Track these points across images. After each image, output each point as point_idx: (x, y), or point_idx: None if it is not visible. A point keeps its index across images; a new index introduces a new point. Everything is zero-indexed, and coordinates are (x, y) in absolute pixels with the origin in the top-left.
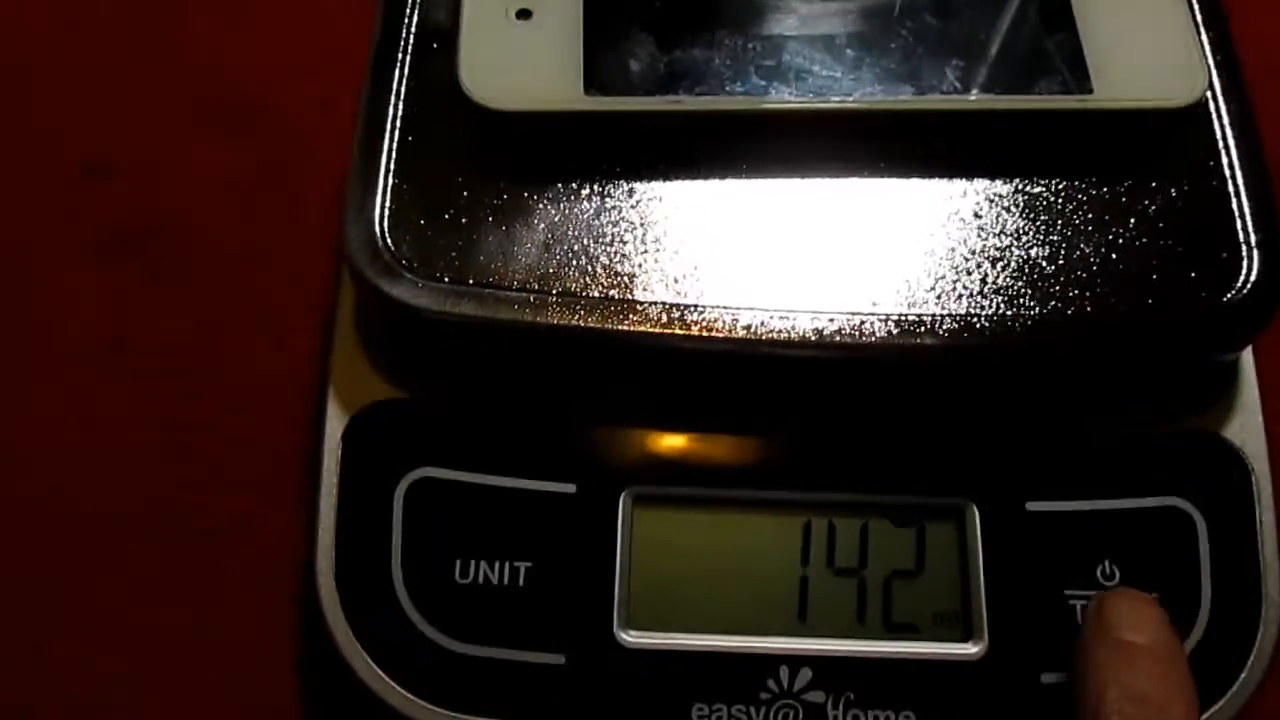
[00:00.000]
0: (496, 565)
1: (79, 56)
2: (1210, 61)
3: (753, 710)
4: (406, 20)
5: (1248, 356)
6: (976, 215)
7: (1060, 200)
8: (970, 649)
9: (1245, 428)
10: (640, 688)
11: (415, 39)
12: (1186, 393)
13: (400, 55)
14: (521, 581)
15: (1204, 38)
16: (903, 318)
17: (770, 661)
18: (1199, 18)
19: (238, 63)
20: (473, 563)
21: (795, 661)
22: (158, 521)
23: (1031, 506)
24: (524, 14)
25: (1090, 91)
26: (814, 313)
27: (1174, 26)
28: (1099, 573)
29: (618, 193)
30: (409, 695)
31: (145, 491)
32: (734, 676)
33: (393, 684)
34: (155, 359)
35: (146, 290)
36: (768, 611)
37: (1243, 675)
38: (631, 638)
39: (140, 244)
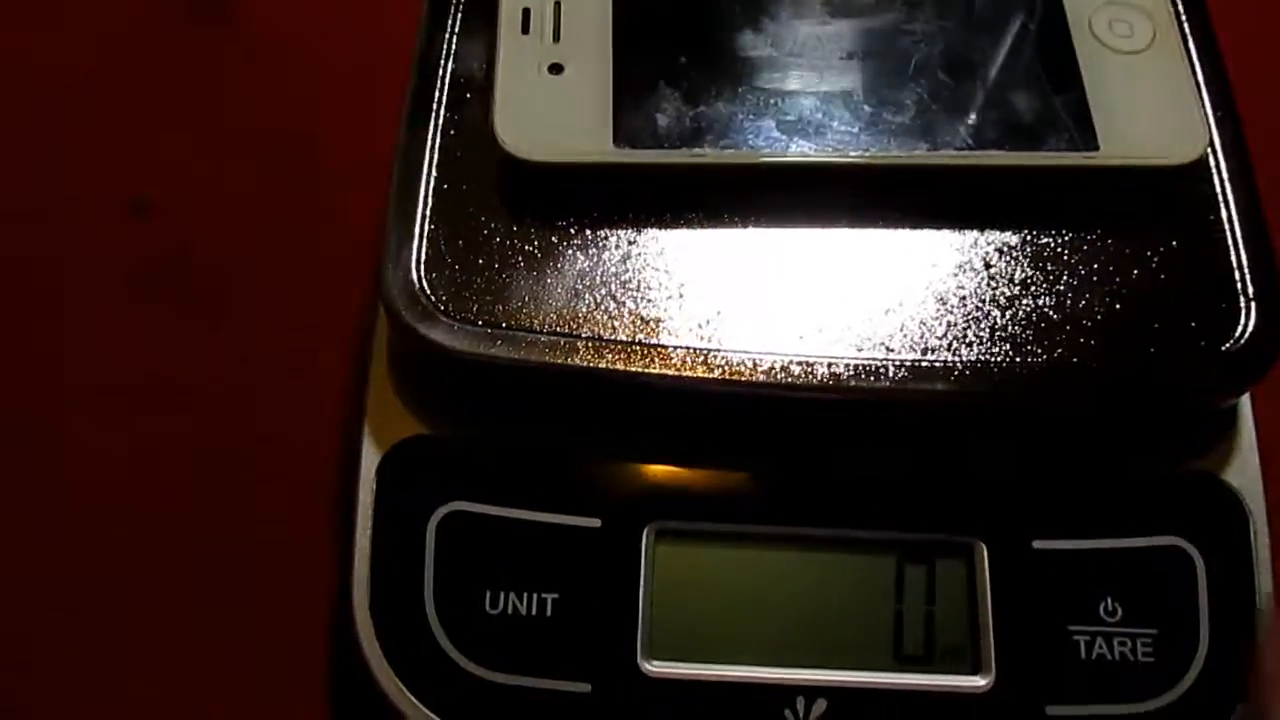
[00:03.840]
0: (525, 596)
1: (119, 93)
2: (1211, 119)
3: None
4: (441, 71)
5: (1246, 402)
6: (987, 266)
7: (1067, 253)
8: (978, 682)
9: (1243, 471)
10: (662, 716)
11: (449, 90)
12: (1188, 437)
13: (435, 105)
14: (549, 612)
15: (1205, 96)
16: (915, 364)
17: (787, 692)
18: (1200, 77)
19: (277, 102)
20: (502, 594)
21: (811, 692)
22: (192, 552)
23: (1038, 545)
24: (556, 68)
25: (1096, 149)
26: (830, 358)
27: (1176, 86)
28: (1102, 609)
29: (644, 241)
30: None
31: (180, 523)
32: (752, 706)
33: (426, 710)
34: (190, 393)
35: (183, 324)
36: (785, 643)
37: (1241, 708)
38: (654, 668)
39: (176, 279)
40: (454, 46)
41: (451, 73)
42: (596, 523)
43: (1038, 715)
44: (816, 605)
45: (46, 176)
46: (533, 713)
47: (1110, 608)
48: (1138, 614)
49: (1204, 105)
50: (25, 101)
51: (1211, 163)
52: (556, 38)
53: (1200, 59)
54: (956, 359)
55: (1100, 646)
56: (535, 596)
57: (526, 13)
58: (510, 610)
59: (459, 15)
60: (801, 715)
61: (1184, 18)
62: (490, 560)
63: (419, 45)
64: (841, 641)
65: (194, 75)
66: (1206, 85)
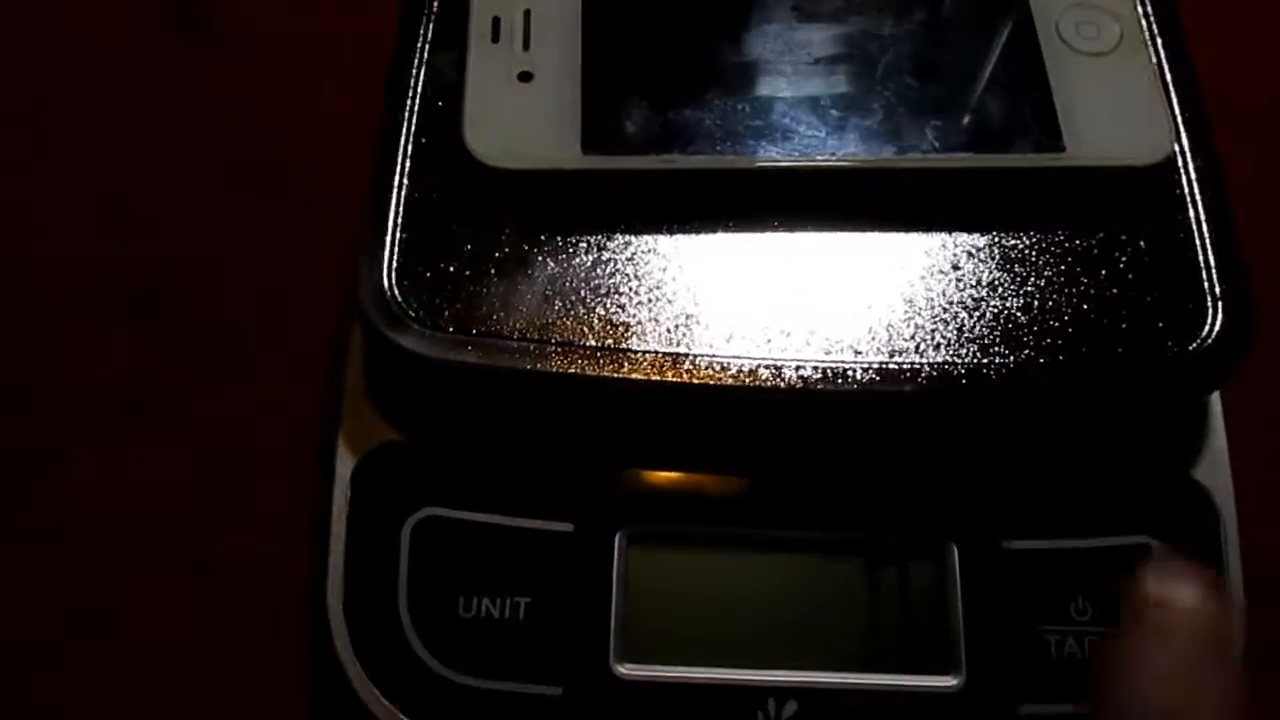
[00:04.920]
0: (498, 601)
1: (104, 115)
2: (1178, 120)
3: None
4: (413, 80)
5: (1216, 401)
6: (955, 268)
7: (1034, 254)
8: (949, 681)
9: (1213, 469)
10: (634, 718)
11: (421, 98)
12: (1158, 436)
13: (407, 113)
14: (522, 616)
15: (1172, 97)
16: (884, 366)
17: (759, 693)
18: (1167, 77)
19: (252, 110)
20: (475, 598)
21: (782, 693)
22: (172, 557)
23: (1008, 545)
24: (525, 77)
25: (1062, 150)
26: (799, 361)
27: (1142, 87)
28: (1072, 609)
29: (613, 246)
30: None
31: (161, 525)
32: (723, 707)
33: (400, 715)
34: (163, 401)
35: (167, 338)
36: (756, 645)
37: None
38: (626, 670)
39: (159, 295)
40: (426, 55)
41: (423, 81)
42: (569, 527)
43: (1009, 715)
44: (788, 607)
45: (30, 199)
46: (506, 716)
47: (1081, 607)
48: (1109, 613)
49: (1170, 106)
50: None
51: (1179, 163)
52: (526, 46)
53: (1168, 60)
54: (925, 360)
55: (1071, 645)
56: (509, 601)
57: (496, 22)
58: (484, 614)
59: (431, 24)
60: (773, 716)
61: (1152, 18)
62: (464, 565)
63: (392, 54)
64: (813, 643)
65: (171, 84)
66: (1174, 86)
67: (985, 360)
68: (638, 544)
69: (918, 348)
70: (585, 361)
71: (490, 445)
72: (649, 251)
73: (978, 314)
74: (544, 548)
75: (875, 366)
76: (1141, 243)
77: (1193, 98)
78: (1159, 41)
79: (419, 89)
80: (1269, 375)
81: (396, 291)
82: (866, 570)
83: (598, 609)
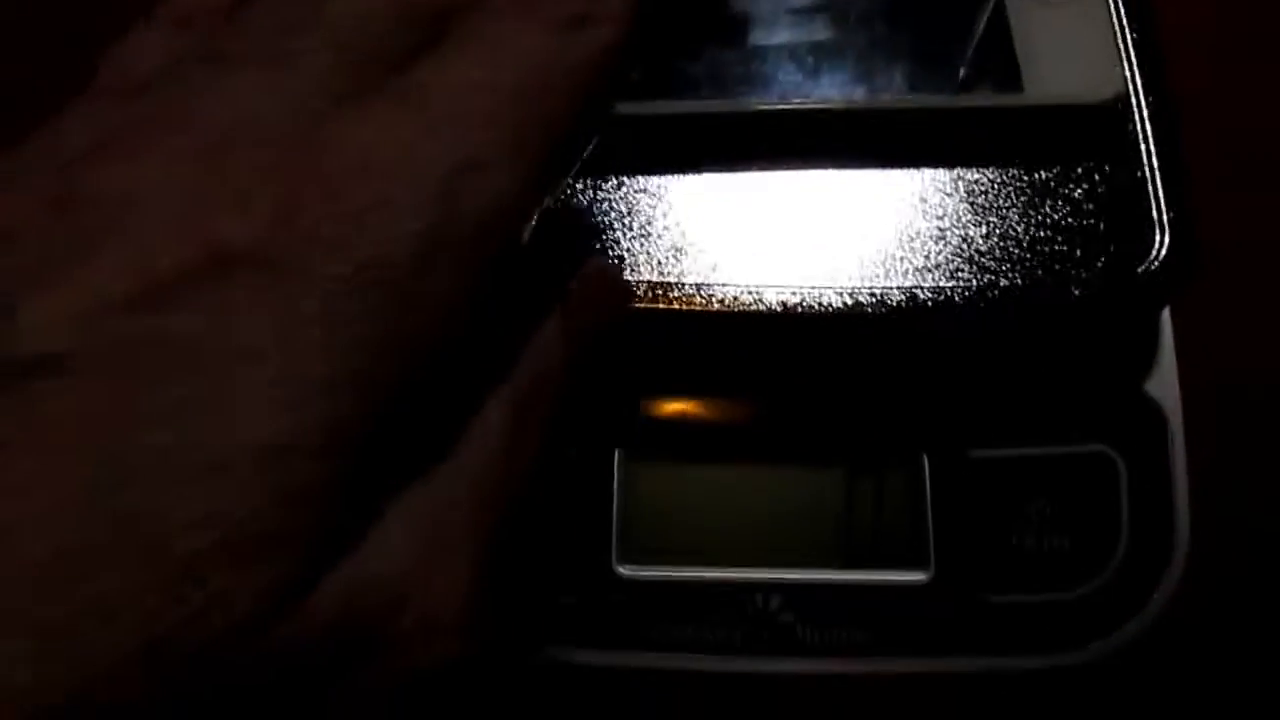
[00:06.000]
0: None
1: None
2: (1131, 59)
3: (731, 632)
4: None
5: (1167, 321)
6: (924, 200)
7: (998, 186)
8: (919, 576)
9: (1163, 383)
10: (635, 614)
11: None
12: (1112, 353)
13: None
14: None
15: (1127, 38)
16: (860, 291)
17: (748, 588)
18: (1122, 19)
19: None
20: None
21: (769, 588)
22: None
23: (974, 454)
24: None
25: (1021, 91)
26: (781, 288)
27: (1096, 29)
28: (1031, 510)
29: (605, 187)
30: None
31: None
32: (716, 602)
33: None
34: None
35: None
36: (745, 547)
37: (1155, 596)
38: (627, 571)
39: None
40: None
41: None
42: (572, 450)
43: (971, 603)
44: (774, 514)
45: None
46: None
47: (1040, 508)
48: (1065, 514)
49: (1125, 47)
50: None
51: (1130, 101)
52: None
53: (1125, 2)
54: (897, 285)
55: (1030, 543)
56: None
57: None
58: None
59: None
60: (761, 608)
61: None
62: None
63: None
64: (797, 544)
65: None
66: (1129, 27)
67: (953, 284)
68: (633, 462)
69: (890, 274)
70: None
71: None
72: (638, 190)
73: (946, 242)
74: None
75: (852, 292)
76: (1096, 175)
77: (1149, 37)
78: None
79: None
80: (1217, 297)
81: None
82: (846, 479)
83: (600, 518)
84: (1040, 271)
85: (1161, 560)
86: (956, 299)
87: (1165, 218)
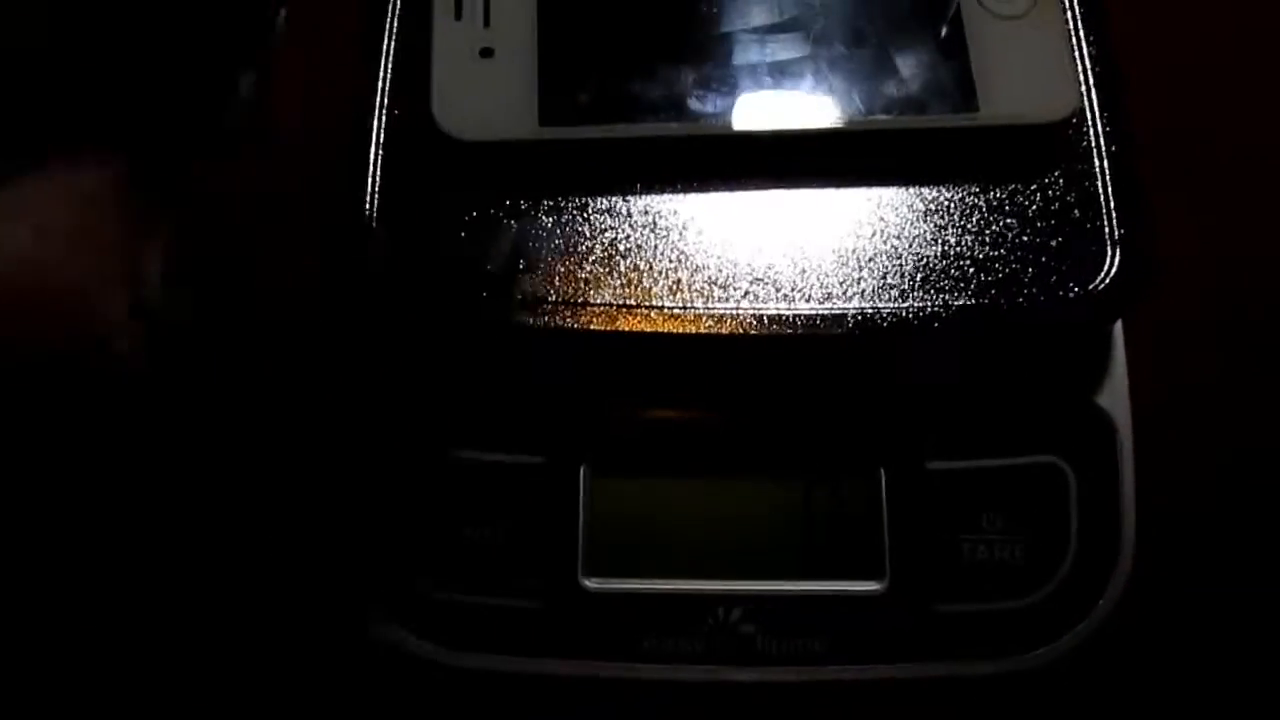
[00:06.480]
0: (479, 526)
1: None
2: (1089, 77)
3: (694, 642)
4: (382, 57)
5: (1118, 334)
6: (881, 220)
7: (954, 205)
8: (874, 586)
9: (1113, 395)
10: (600, 625)
11: (391, 75)
12: (1065, 366)
13: (378, 90)
14: (501, 539)
15: (1083, 56)
16: (818, 311)
17: (710, 600)
18: (1079, 37)
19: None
20: (461, 525)
21: (730, 600)
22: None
23: (929, 466)
24: (487, 52)
25: (977, 110)
26: (743, 309)
27: (1052, 48)
28: (985, 520)
29: (569, 210)
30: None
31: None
32: (678, 614)
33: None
34: None
35: None
36: (707, 559)
37: (1101, 602)
38: (593, 584)
39: None
40: (394, 33)
41: (393, 59)
42: (540, 460)
43: (925, 613)
44: (734, 525)
45: None
46: (489, 627)
47: (992, 519)
48: (1016, 524)
49: (1081, 64)
50: None
51: (1085, 119)
52: (487, 23)
53: (1083, 20)
54: (855, 305)
55: (982, 553)
56: (488, 526)
57: None
58: (467, 538)
59: (398, 3)
60: (722, 621)
61: None
62: (449, 495)
63: (362, 32)
64: (757, 556)
65: None
66: (1085, 45)
67: (910, 302)
68: (600, 474)
69: (848, 292)
70: (546, 315)
71: (466, 392)
72: (601, 212)
73: (903, 260)
74: (517, 479)
75: (810, 310)
76: (1050, 192)
77: (1105, 55)
78: (1073, 2)
79: (389, 65)
80: (1167, 312)
81: (372, 251)
82: (804, 491)
83: (566, 531)
84: (995, 289)
85: (1107, 568)
86: (912, 317)
87: (1118, 234)
